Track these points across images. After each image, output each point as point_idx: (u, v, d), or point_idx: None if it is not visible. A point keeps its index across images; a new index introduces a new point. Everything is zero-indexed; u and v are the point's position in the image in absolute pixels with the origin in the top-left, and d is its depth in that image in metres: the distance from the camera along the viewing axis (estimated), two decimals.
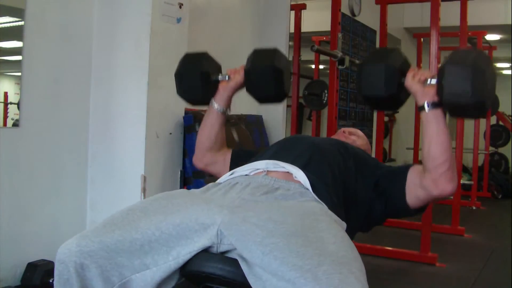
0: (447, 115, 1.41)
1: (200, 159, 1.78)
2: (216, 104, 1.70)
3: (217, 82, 1.72)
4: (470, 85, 1.25)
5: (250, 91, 1.69)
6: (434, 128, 1.37)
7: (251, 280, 1.07)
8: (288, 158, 1.45)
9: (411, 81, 1.40)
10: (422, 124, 1.43)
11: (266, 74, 1.63)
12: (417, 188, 1.43)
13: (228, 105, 1.73)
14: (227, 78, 1.71)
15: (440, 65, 1.33)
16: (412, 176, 1.45)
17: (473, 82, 1.25)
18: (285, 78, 1.65)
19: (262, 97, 1.72)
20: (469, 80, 1.25)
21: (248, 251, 1.07)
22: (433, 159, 1.37)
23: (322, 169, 1.43)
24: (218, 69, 1.76)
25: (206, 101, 1.74)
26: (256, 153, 1.72)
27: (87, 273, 1.10)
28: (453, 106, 1.33)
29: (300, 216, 1.17)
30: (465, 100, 1.27)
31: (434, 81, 1.37)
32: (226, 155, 1.76)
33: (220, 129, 1.73)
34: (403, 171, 1.48)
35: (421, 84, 1.39)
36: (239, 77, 1.68)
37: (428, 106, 1.37)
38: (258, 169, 1.44)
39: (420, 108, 1.39)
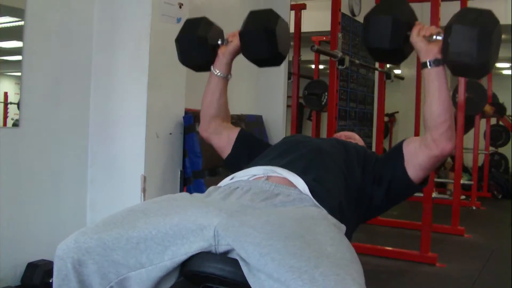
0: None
1: (205, 129, 1.75)
2: (216, 70, 1.68)
3: (216, 46, 1.69)
4: (476, 46, 1.26)
5: (245, 54, 1.66)
6: (436, 85, 1.39)
7: (250, 279, 1.07)
8: (287, 163, 1.44)
9: (416, 37, 1.41)
10: (424, 83, 1.44)
11: (258, 36, 1.60)
12: (417, 155, 1.45)
13: (228, 70, 1.70)
14: (225, 43, 1.68)
15: (448, 22, 1.32)
16: (408, 148, 1.47)
17: (479, 44, 1.26)
18: (280, 39, 1.60)
19: (257, 60, 1.67)
20: (475, 41, 1.26)
21: (245, 251, 1.08)
22: (434, 118, 1.39)
23: (322, 173, 1.43)
24: (218, 34, 1.71)
25: (206, 67, 1.71)
26: (262, 146, 1.72)
27: (84, 269, 1.11)
28: (456, 65, 1.33)
29: (298, 220, 1.17)
30: (470, 60, 1.28)
31: (439, 37, 1.37)
32: (232, 132, 1.74)
33: (221, 95, 1.71)
34: (397, 149, 1.51)
35: (426, 41, 1.40)
36: (236, 41, 1.66)
37: (430, 64, 1.39)
38: (255, 175, 1.43)
39: (422, 65, 1.41)
